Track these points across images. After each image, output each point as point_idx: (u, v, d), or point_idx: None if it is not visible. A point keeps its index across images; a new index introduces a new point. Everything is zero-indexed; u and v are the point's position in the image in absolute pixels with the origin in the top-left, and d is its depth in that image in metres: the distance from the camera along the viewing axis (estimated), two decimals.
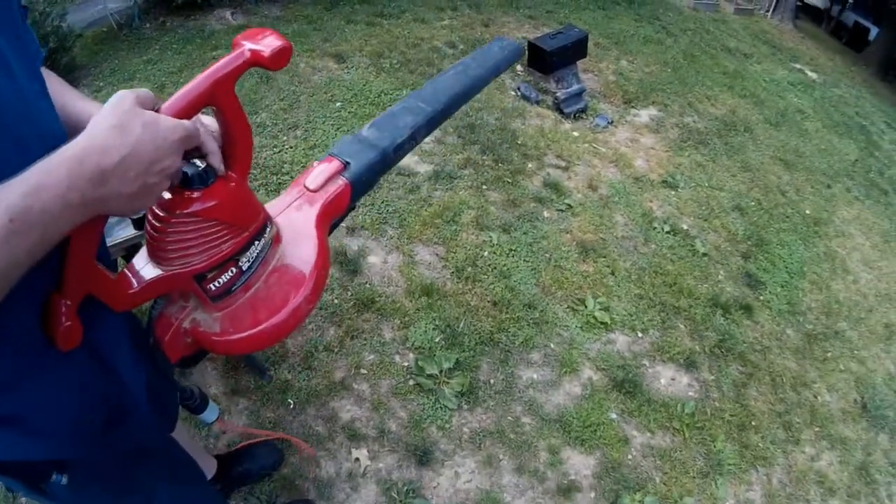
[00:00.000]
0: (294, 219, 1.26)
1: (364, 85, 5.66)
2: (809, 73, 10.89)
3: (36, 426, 1.15)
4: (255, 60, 0.93)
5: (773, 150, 7.04)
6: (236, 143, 1.03)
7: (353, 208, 1.45)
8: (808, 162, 7.19)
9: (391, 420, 3.14)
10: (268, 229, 1.15)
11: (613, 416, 3.47)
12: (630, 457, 3.32)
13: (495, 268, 4.08)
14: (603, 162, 5.65)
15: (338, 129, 4.89)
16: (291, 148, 4.65)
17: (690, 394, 3.77)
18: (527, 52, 6.72)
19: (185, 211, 0.97)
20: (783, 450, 3.73)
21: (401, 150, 1.43)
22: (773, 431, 3.79)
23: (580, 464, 3.21)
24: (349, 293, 3.69)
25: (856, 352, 4.76)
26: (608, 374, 3.67)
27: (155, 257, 1.02)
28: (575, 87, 6.46)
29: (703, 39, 9.91)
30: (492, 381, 3.44)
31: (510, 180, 4.90)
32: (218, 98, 0.94)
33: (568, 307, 4.01)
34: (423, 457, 3.02)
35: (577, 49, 6.61)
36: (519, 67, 6.87)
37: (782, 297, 4.87)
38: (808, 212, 6.16)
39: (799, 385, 4.18)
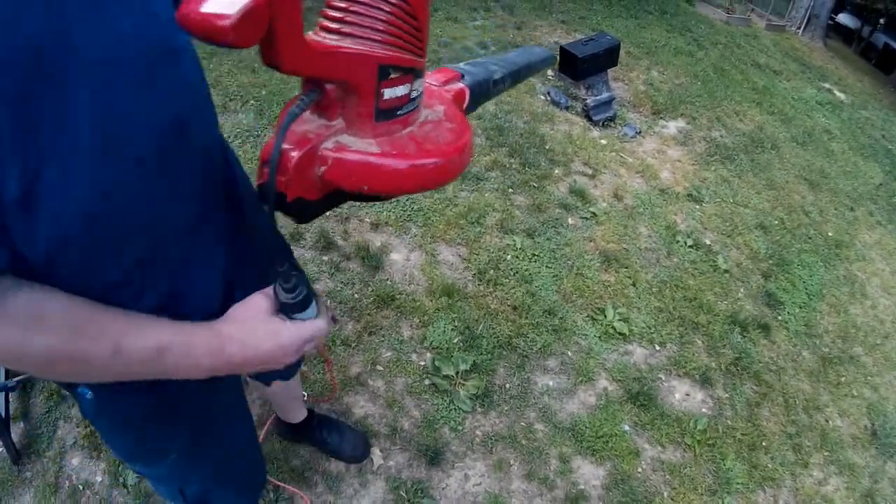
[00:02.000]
0: (429, 97, 1.15)
1: None
2: (838, 94, 10.85)
3: None
4: None
5: (798, 170, 7.02)
6: None
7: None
8: (832, 183, 7.16)
9: (404, 418, 3.14)
10: (424, 78, 1.06)
11: (626, 427, 3.47)
12: (640, 470, 3.32)
13: (517, 272, 4.08)
14: (629, 172, 5.64)
15: None
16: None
17: (704, 410, 3.76)
18: (558, 57, 6.71)
19: None
20: (791, 472, 3.72)
21: (498, 84, 1.42)
22: (782, 453, 3.78)
23: (590, 474, 3.21)
24: (370, 289, 3.69)
25: (869, 378, 4.73)
26: (623, 386, 3.66)
27: (344, 31, 0.87)
28: (605, 94, 6.45)
29: (733, 54, 9.88)
30: (507, 385, 3.44)
31: (536, 185, 4.90)
32: None
33: (587, 316, 4.00)
34: (434, 457, 3.02)
35: (608, 57, 6.59)
36: (549, 72, 6.87)
37: (800, 318, 4.85)
38: (830, 234, 6.13)
39: (811, 408, 4.17)
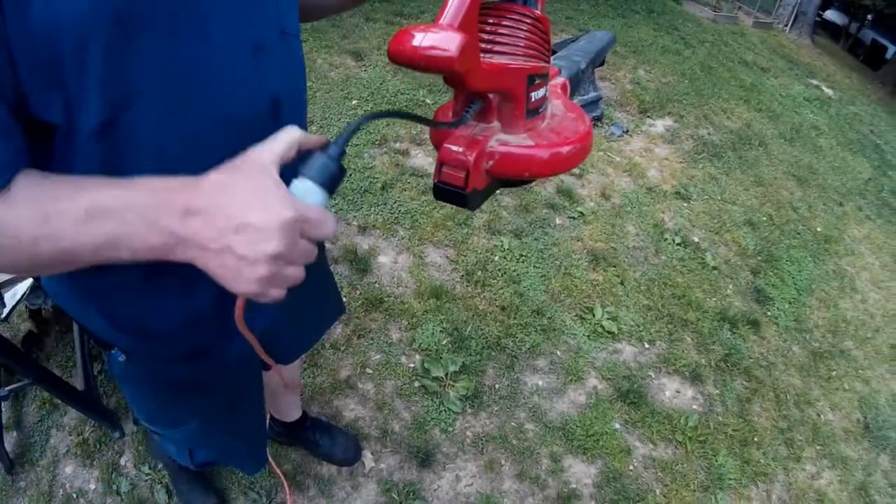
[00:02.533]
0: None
1: (381, 83, 5.68)
2: (825, 90, 10.88)
3: (106, 312, 1.20)
4: None
5: (786, 166, 7.04)
6: None
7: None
8: (820, 179, 7.18)
9: (395, 421, 3.15)
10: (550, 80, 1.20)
11: (617, 426, 3.47)
12: (631, 467, 3.33)
13: (505, 273, 4.09)
14: (616, 171, 5.65)
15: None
16: None
17: (694, 407, 3.77)
18: None
19: (533, 14, 1.04)
20: (784, 467, 3.72)
21: (585, 72, 1.52)
22: (774, 448, 3.79)
23: (581, 472, 3.21)
24: (358, 292, 3.70)
25: (860, 371, 4.75)
26: (613, 384, 3.67)
27: (502, 51, 1.03)
28: (592, 94, 6.46)
29: (720, 52, 9.91)
30: (497, 386, 3.45)
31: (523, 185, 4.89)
32: None
33: (576, 315, 4.01)
34: (425, 459, 3.03)
35: None
36: None
37: (790, 313, 4.87)
38: (818, 229, 6.15)
39: (802, 402, 4.18)
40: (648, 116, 6.88)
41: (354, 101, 5.25)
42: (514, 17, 1.03)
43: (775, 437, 3.85)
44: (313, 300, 1.97)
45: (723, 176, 6.21)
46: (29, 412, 2.95)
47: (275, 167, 0.81)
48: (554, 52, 1.66)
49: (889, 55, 18.63)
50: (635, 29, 9.34)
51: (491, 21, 1.03)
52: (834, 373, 4.57)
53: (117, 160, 0.87)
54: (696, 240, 5.12)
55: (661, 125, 6.78)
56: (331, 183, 0.87)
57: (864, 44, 20.52)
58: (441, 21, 0.87)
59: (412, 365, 3.40)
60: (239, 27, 0.94)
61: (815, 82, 10.95)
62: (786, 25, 14.53)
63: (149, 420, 1.72)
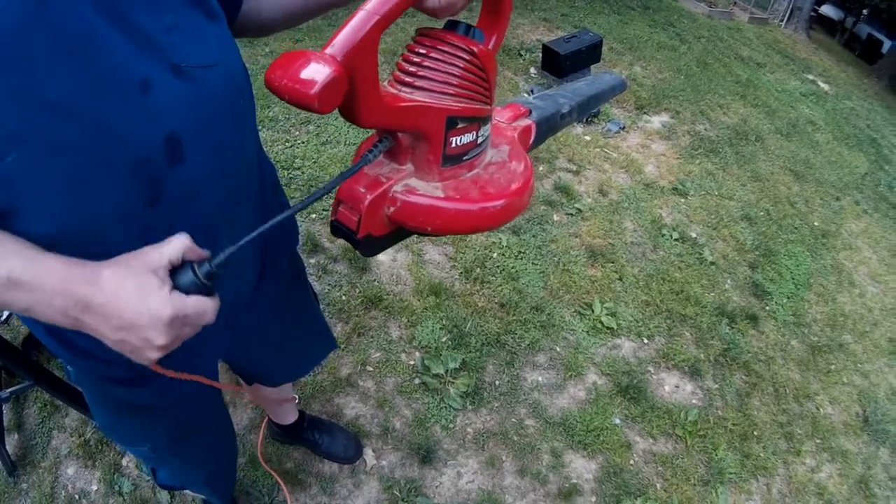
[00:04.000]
0: (495, 136, 1.23)
1: None
2: (822, 85, 10.89)
3: (49, 328, 1.22)
4: None
5: (783, 161, 7.04)
6: (500, 13, 1.09)
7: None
8: (817, 174, 7.18)
9: (395, 418, 3.16)
10: (492, 122, 1.14)
11: (617, 421, 3.48)
12: (632, 462, 3.34)
13: (503, 270, 4.10)
14: (614, 167, 5.66)
15: (349, 125, 4.91)
16: (304, 143, 4.67)
17: (694, 401, 3.78)
18: (541, 55, 6.75)
19: (471, 48, 0.99)
20: (784, 460, 3.74)
21: (565, 118, 1.43)
22: (774, 442, 3.80)
23: (582, 468, 3.22)
24: (357, 290, 3.70)
25: (859, 365, 4.76)
26: (613, 380, 3.68)
27: (417, 85, 0.99)
28: None
29: (716, 47, 9.91)
30: (497, 382, 3.46)
31: None
32: None
33: (575, 311, 4.02)
34: (427, 456, 3.04)
35: (591, 53, 6.64)
36: (532, 70, 6.90)
37: (788, 308, 4.88)
38: (816, 224, 6.16)
39: (802, 396, 4.19)
40: (645, 113, 6.88)
41: None
42: (446, 48, 0.99)
43: (775, 431, 3.86)
44: (298, 337, 1.99)
45: (720, 171, 6.22)
46: (30, 414, 2.95)
47: (163, 269, 0.88)
48: (557, 83, 1.63)
49: (885, 49, 18.64)
50: (631, 25, 9.34)
51: (421, 50, 0.99)
52: (833, 367, 4.58)
53: (12, 203, 0.87)
54: (694, 235, 5.13)
55: (657, 121, 6.78)
56: (199, 290, 0.91)
57: (860, 38, 20.56)
58: (327, 49, 0.84)
59: (412, 362, 3.41)
60: (120, 64, 0.89)
61: (811, 77, 10.96)
62: (781, 21, 14.54)
63: (106, 431, 1.73)
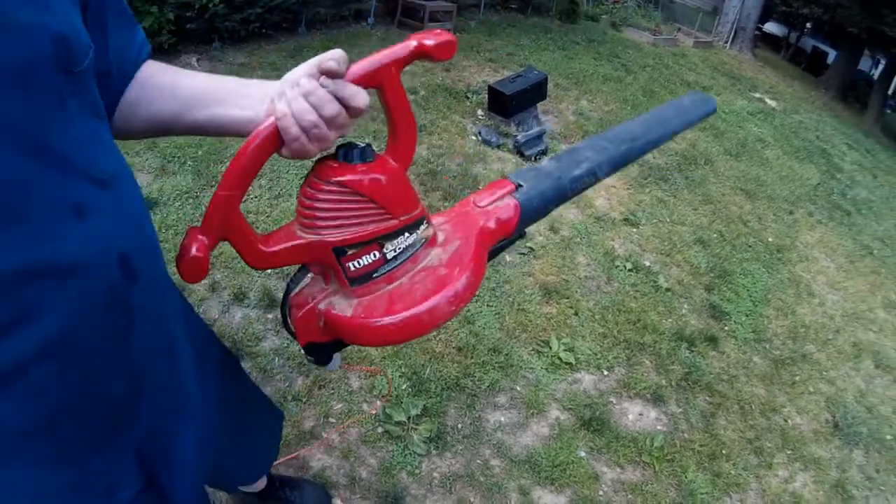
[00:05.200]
0: (456, 229, 1.20)
1: None
2: (769, 102, 11.06)
3: None
4: (421, 50, 0.98)
5: (733, 181, 7.15)
6: (398, 130, 1.07)
7: (523, 235, 1.35)
8: (769, 190, 7.29)
9: (361, 467, 3.16)
10: (422, 227, 1.13)
11: (582, 454, 3.50)
12: (601, 493, 3.35)
13: (459, 314, 4.11)
14: (564, 203, 5.70)
15: (302, 178, 4.94)
16: (256, 197, 4.70)
17: (659, 427, 3.81)
18: (487, 97, 6.82)
19: (338, 179, 1.01)
20: (756, 475, 3.76)
21: (578, 182, 1.32)
22: (744, 458, 3.83)
23: (551, 502, 3.23)
24: None
25: (825, 373, 4.82)
26: (575, 414, 3.70)
27: (300, 223, 1.05)
28: (535, 129, 6.55)
29: (661, 75, 10.06)
30: (459, 425, 3.47)
31: None
32: (383, 83, 0.99)
33: (532, 349, 4.05)
34: (395, 503, 3.04)
35: (536, 91, 6.70)
36: (479, 112, 6.98)
37: (747, 325, 4.93)
38: (770, 239, 6.24)
39: (768, 410, 4.23)
40: None
41: None
42: (319, 183, 1.02)
43: (744, 448, 3.89)
44: (243, 423, 1.97)
45: (670, 198, 6.30)
46: None
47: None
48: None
49: (830, 60, 18.95)
50: (576, 60, 9.47)
51: (309, 192, 1.04)
52: (797, 377, 4.63)
53: None
54: (648, 264, 5.19)
55: None
56: None
57: (805, 52, 20.93)
58: (202, 224, 0.97)
59: (374, 411, 3.42)
60: (51, 198, 0.83)
61: (757, 95, 11.14)
62: (726, 42, 14.80)
63: None
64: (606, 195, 6.04)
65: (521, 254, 4.86)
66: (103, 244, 0.91)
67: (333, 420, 3.33)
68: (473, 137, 6.41)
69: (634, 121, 1.52)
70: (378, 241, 1.06)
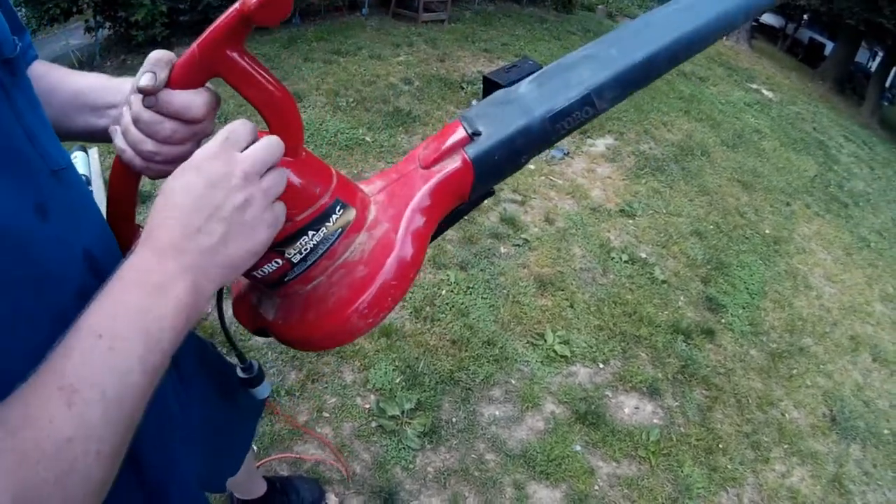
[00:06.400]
0: (390, 203, 0.98)
1: (321, 124, 5.71)
2: (766, 93, 11.02)
3: None
4: (242, 16, 0.70)
5: (730, 173, 7.11)
6: (267, 113, 0.81)
7: (490, 194, 1.11)
8: (766, 181, 7.26)
9: (355, 462, 3.12)
10: (335, 215, 0.90)
11: (578, 448, 3.47)
12: (597, 487, 3.31)
13: (453, 306, 4.09)
14: (559, 194, 5.68)
15: None
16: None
17: (655, 421, 3.77)
18: (482, 87, 6.77)
19: None
20: (752, 469, 3.73)
21: (564, 118, 0.99)
22: (741, 452, 3.80)
23: (547, 497, 3.20)
24: None
25: (822, 366, 4.78)
26: (570, 407, 3.67)
27: None
28: None
29: None
30: (454, 419, 3.44)
31: (466, 217, 4.89)
32: (220, 70, 0.76)
33: (527, 342, 4.02)
34: (389, 498, 3.00)
35: None
36: (474, 102, 6.91)
37: (744, 318, 4.90)
38: (767, 231, 6.21)
39: (765, 404, 4.20)
40: (589, 137, 6.94)
41: None
42: None
43: (740, 442, 3.86)
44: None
45: (667, 189, 6.27)
46: None
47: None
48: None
49: (827, 52, 18.94)
50: (572, 50, 9.42)
51: None
52: (795, 371, 4.60)
53: None
54: (644, 255, 5.16)
55: (601, 144, 6.84)
56: None
57: (802, 43, 20.92)
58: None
59: (368, 405, 3.38)
60: (11, 195, 0.74)
61: (754, 86, 11.11)
62: None
63: None
64: (602, 186, 6.02)
65: (516, 245, 4.83)
66: (68, 244, 0.84)
67: (327, 414, 3.30)
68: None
69: (653, 12, 1.10)
70: (275, 249, 0.87)
